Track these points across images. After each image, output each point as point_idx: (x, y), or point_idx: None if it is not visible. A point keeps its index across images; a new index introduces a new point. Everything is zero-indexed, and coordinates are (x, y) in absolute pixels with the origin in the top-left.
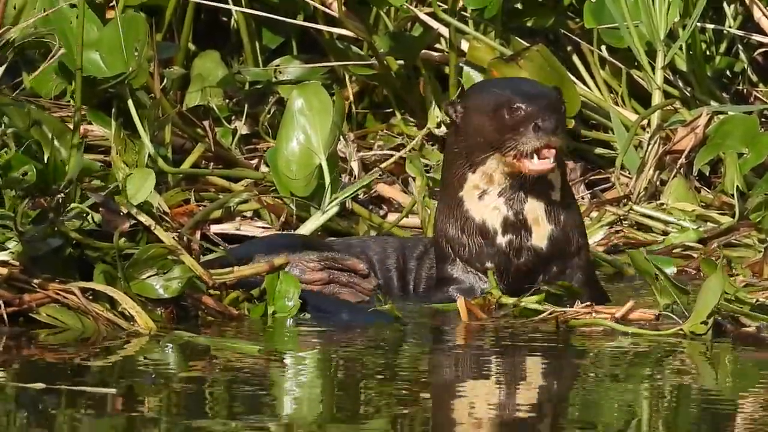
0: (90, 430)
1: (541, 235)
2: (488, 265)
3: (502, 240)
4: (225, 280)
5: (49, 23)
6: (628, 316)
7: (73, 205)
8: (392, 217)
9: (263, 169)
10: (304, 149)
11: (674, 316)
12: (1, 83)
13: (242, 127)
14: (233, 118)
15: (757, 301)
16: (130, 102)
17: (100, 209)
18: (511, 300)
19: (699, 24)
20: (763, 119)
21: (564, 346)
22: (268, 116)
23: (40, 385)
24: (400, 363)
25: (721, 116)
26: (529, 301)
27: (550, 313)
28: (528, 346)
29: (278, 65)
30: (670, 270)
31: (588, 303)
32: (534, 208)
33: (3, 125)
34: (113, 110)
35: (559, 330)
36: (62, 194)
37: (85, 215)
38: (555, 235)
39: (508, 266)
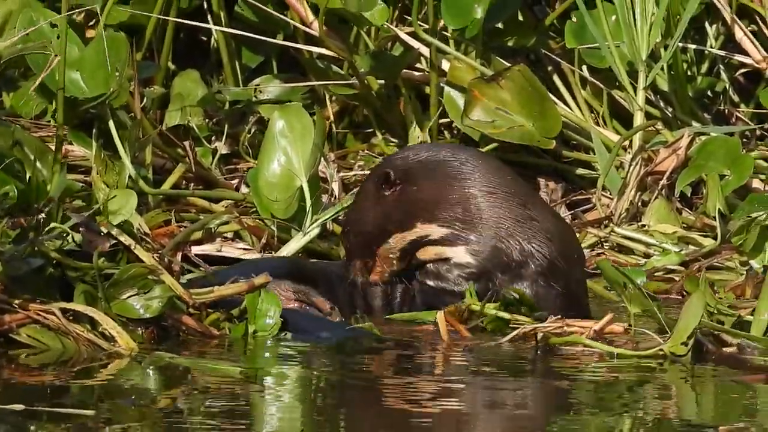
0: None
1: None
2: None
3: None
4: (205, 300)
5: (30, 42)
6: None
7: (53, 224)
8: None
9: (243, 189)
10: (285, 171)
11: (651, 333)
12: None
13: (222, 147)
14: (213, 137)
15: (739, 317)
16: (111, 122)
17: (81, 229)
18: (491, 308)
19: (680, 44)
20: (744, 140)
21: (540, 368)
22: (249, 136)
23: (18, 407)
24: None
25: (703, 137)
26: (492, 308)
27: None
28: (504, 366)
29: (258, 84)
30: (640, 279)
31: (559, 316)
32: None
33: None
34: (94, 131)
35: (537, 347)
36: (43, 214)
37: (65, 235)
38: None
39: None
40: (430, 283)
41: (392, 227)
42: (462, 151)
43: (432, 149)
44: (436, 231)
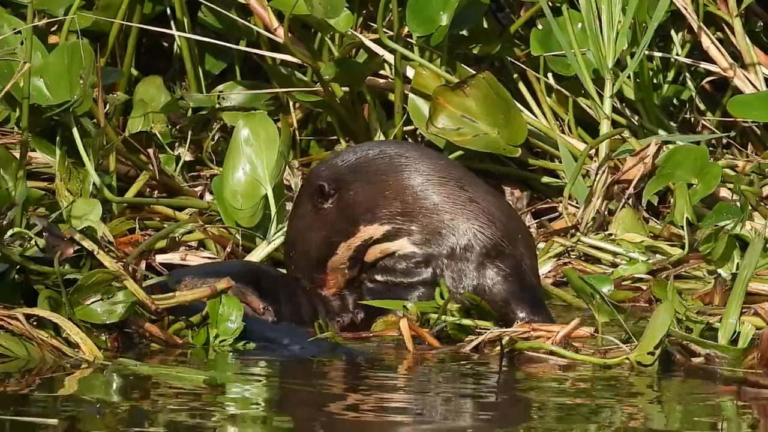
0: None
1: None
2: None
3: None
4: (167, 306)
5: None
6: (567, 335)
7: (16, 229)
8: None
9: (207, 197)
10: (251, 180)
11: (618, 342)
12: None
13: (185, 154)
14: (176, 144)
15: (707, 324)
16: (74, 130)
17: (44, 234)
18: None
19: (646, 52)
20: (711, 149)
21: (506, 374)
22: (212, 143)
23: None
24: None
25: (670, 146)
26: (454, 311)
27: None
28: (471, 373)
29: (221, 91)
30: (607, 288)
31: (527, 321)
32: None
33: None
34: (57, 138)
35: (503, 353)
36: (5, 218)
37: (28, 239)
38: None
39: None
40: (380, 278)
41: (337, 238)
42: (388, 145)
43: (358, 151)
44: (378, 230)
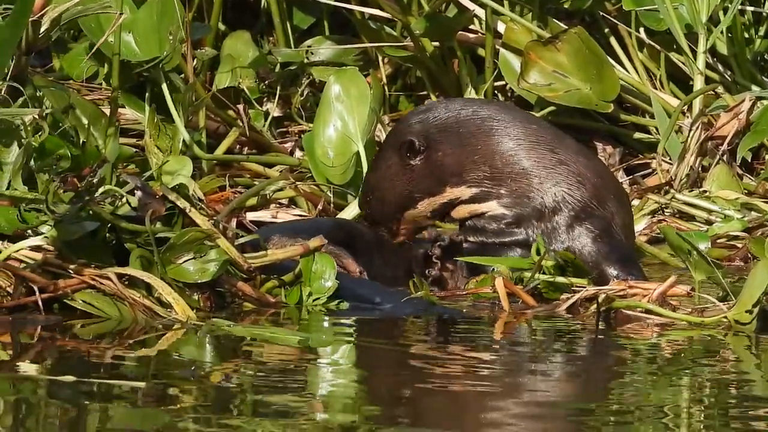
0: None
1: None
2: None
3: None
4: (259, 264)
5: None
6: (663, 293)
7: (107, 186)
8: None
9: (297, 153)
10: (342, 136)
11: (715, 301)
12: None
13: (274, 110)
14: (264, 100)
15: None
16: (164, 86)
17: (136, 192)
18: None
19: (739, 6)
20: None
21: (603, 335)
22: (301, 98)
23: (70, 378)
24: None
25: (765, 101)
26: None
27: (594, 297)
28: (567, 338)
29: (310, 46)
30: (704, 245)
31: (621, 279)
32: None
33: (42, 107)
34: (147, 94)
35: (600, 312)
36: (96, 176)
37: (120, 197)
38: None
39: None
40: (473, 239)
41: (420, 194)
42: (481, 106)
43: (449, 109)
44: (465, 192)
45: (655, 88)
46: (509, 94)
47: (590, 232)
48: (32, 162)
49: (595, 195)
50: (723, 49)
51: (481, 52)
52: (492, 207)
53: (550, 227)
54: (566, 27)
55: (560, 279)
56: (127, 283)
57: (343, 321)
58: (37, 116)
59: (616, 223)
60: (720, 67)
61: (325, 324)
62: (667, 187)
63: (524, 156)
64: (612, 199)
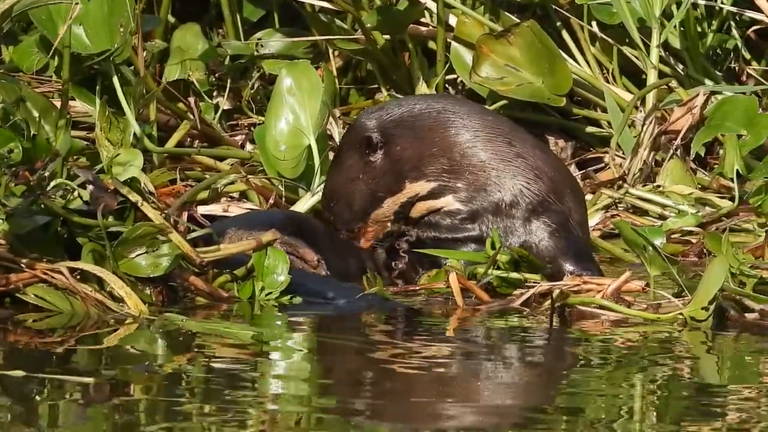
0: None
1: None
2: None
3: None
4: (212, 258)
5: None
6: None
7: (58, 180)
8: None
9: (248, 146)
10: (293, 130)
11: (671, 297)
12: None
13: (225, 103)
14: (215, 92)
15: (761, 278)
16: (115, 79)
17: (88, 186)
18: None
19: (692, 0)
20: (757, 98)
21: (557, 331)
22: (251, 91)
23: (19, 373)
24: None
25: (718, 96)
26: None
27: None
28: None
29: (260, 39)
30: (659, 240)
31: (576, 274)
32: None
33: None
34: (97, 87)
35: (554, 308)
36: (47, 169)
37: (71, 191)
38: None
39: None
40: (427, 234)
41: (383, 193)
42: (435, 99)
43: (404, 104)
44: (424, 187)
45: (608, 82)
46: (461, 88)
47: (547, 227)
48: None
49: (552, 189)
50: (676, 43)
51: (432, 45)
52: (448, 202)
53: (507, 221)
54: (518, 20)
55: (514, 275)
56: (79, 277)
57: (296, 316)
58: None
59: (573, 218)
60: (673, 61)
61: (278, 320)
62: (621, 182)
63: (481, 148)
64: (569, 193)
